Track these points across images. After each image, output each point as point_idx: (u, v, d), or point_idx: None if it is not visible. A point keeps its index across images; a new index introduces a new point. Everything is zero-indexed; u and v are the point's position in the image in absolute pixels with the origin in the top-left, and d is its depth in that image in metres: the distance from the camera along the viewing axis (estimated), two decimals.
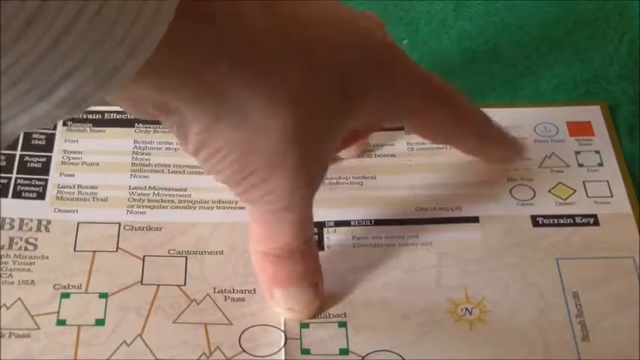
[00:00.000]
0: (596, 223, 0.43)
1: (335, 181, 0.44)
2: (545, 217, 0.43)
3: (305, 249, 0.38)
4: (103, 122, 0.46)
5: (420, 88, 0.39)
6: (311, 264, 0.39)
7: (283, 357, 0.38)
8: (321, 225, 0.42)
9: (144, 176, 0.44)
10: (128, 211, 0.43)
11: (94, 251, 0.41)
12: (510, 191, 0.44)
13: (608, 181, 0.44)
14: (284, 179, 0.34)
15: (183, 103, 0.32)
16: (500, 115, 0.46)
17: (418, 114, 0.40)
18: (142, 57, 0.26)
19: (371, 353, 0.38)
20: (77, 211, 0.43)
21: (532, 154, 0.44)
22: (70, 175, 0.44)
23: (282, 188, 0.35)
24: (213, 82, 0.31)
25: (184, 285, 0.40)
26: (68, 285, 0.40)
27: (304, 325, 0.39)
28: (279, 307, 0.39)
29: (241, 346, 0.38)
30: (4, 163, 0.44)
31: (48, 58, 0.23)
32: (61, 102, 0.24)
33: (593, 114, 0.47)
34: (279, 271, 0.38)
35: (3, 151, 0.44)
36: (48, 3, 0.22)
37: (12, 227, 0.42)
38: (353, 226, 0.43)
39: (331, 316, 0.39)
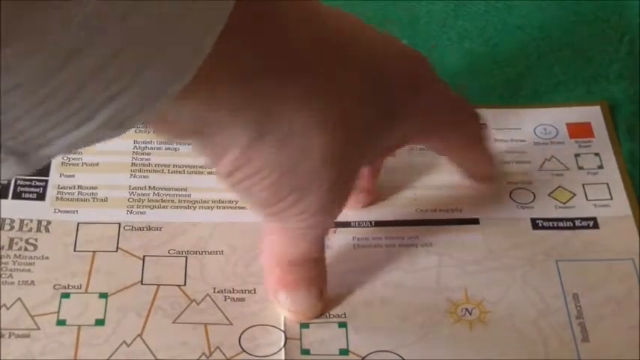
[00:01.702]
0: (595, 226, 0.43)
1: None
2: (544, 220, 0.43)
3: (317, 257, 0.38)
4: None
5: (450, 103, 0.39)
6: (319, 270, 0.39)
7: (283, 357, 0.38)
8: None
9: (144, 176, 0.44)
10: (128, 211, 0.43)
11: (94, 251, 0.41)
12: (510, 194, 0.44)
13: (607, 184, 0.44)
14: (317, 199, 0.34)
15: (226, 119, 0.30)
16: (500, 116, 0.46)
17: (446, 131, 0.39)
18: (187, 77, 0.24)
19: (371, 353, 0.38)
20: (77, 211, 0.42)
21: (532, 156, 0.44)
22: (70, 176, 0.44)
23: (314, 208, 0.34)
24: (259, 97, 0.30)
25: (184, 285, 0.40)
26: (68, 285, 0.40)
27: (304, 326, 0.39)
28: (282, 307, 0.39)
29: (241, 346, 0.38)
30: None
31: (96, 80, 0.21)
32: (102, 124, 0.23)
33: (593, 114, 0.47)
34: (288, 276, 0.38)
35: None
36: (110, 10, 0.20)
37: (12, 228, 0.41)
38: (353, 227, 0.42)
39: (331, 316, 0.39)
